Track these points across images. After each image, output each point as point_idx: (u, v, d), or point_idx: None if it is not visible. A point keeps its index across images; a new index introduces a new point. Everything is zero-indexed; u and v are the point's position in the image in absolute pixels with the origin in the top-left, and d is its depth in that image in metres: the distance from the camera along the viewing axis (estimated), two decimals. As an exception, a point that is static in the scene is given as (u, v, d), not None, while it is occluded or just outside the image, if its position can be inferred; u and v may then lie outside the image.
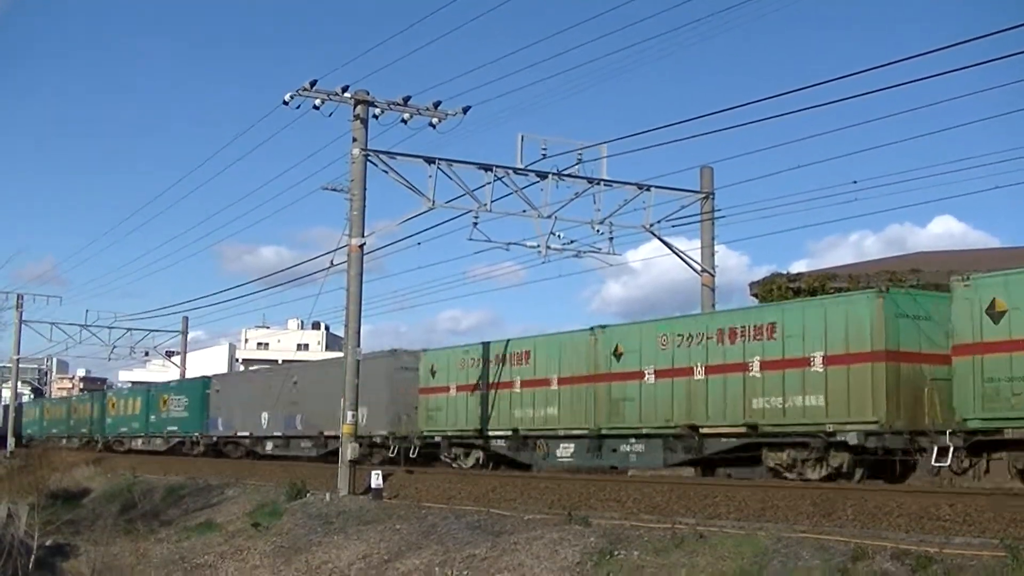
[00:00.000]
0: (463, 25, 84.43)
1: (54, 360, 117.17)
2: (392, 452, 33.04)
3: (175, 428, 51.50)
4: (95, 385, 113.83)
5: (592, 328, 27.35)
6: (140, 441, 55.51)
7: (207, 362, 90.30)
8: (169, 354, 70.31)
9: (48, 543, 26.46)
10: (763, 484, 20.61)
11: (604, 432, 26.07)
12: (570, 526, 17.83)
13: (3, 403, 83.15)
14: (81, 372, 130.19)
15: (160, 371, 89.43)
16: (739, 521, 16.96)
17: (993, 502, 15.30)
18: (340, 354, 35.96)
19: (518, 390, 29.06)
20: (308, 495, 26.81)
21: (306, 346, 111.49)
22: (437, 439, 32.05)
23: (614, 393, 25.91)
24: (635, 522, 17.62)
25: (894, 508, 16.00)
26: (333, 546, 21.77)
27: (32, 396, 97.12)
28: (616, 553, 15.98)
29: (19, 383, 76.15)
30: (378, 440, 33.89)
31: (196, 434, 48.91)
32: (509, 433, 29.19)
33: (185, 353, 66.34)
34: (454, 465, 31.31)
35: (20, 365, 73.62)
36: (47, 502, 28.99)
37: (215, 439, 47.24)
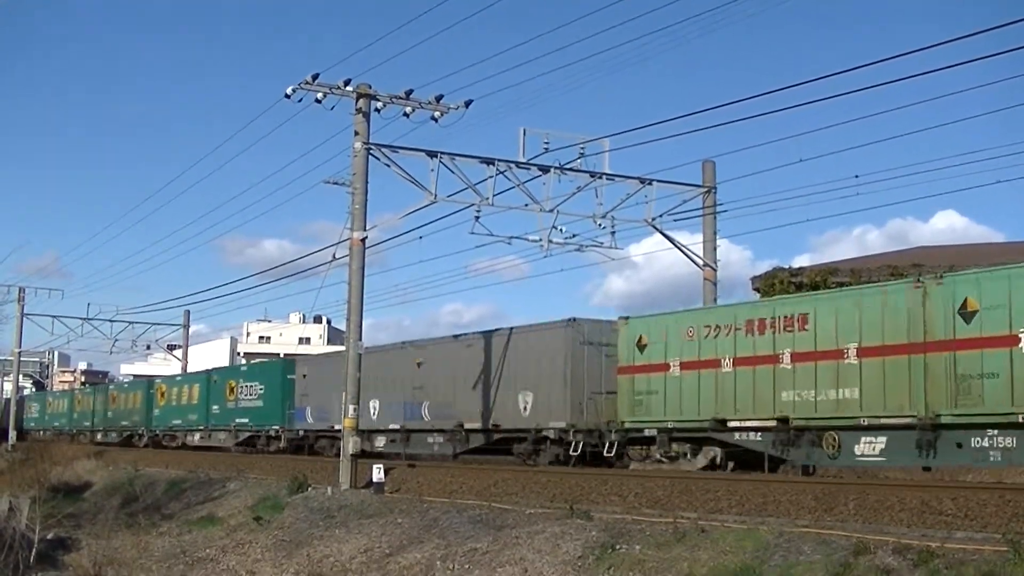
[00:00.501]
0: (465, 19, 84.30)
1: (55, 353, 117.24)
2: (574, 449, 26.59)
3: (246, 420, 44.02)
4: (97, 379, 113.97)
5: (919, 277, 20.76)
6: (199, 436, 48.58)
7: (208, 355, 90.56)
8: (171, 347, 70.45)
9: (49, 536, 26.48)
10: (765, 479, 20.57)
11: (944, 421, 19.34)
12: (572, 520, 17.84)
13: (4, 396, 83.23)
14: (83, 365, 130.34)
15: (162, 364, 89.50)
16: (741, 516, 16.99)
17: (995, 496, 15.30)
18: (480, 330, 31.80)
19: (788, 365, 21.95)
20: (309, 489, 26.85)
21: (308, 340, 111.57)
22: (649, 432, 24.85)
23: (961, 367, 19.02)
24: (637, 516, 17.64)
25: (896, 503, 16.00)
26: (335, 540, 21.78)
27: (34, 389, 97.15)
28: (618, 547, 15.99)
29: (20, 376, 76.12)
30: (551, 435, 27.44)
31: (275, 427, 41.62)
32: (772, 424, 22.13)
33: (187, 347, 66.52)
34: (672, 466, 24.33)
35: (22, 358, 73.70)
36: (48, 495, 29.03)
37: (302, 433, 39.72)
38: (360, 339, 27.20)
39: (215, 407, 46.86)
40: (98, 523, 28.20)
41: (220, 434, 46.42)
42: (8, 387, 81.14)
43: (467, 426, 30.39)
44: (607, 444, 25.62)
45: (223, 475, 33.17)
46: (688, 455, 24.33)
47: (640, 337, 25.41)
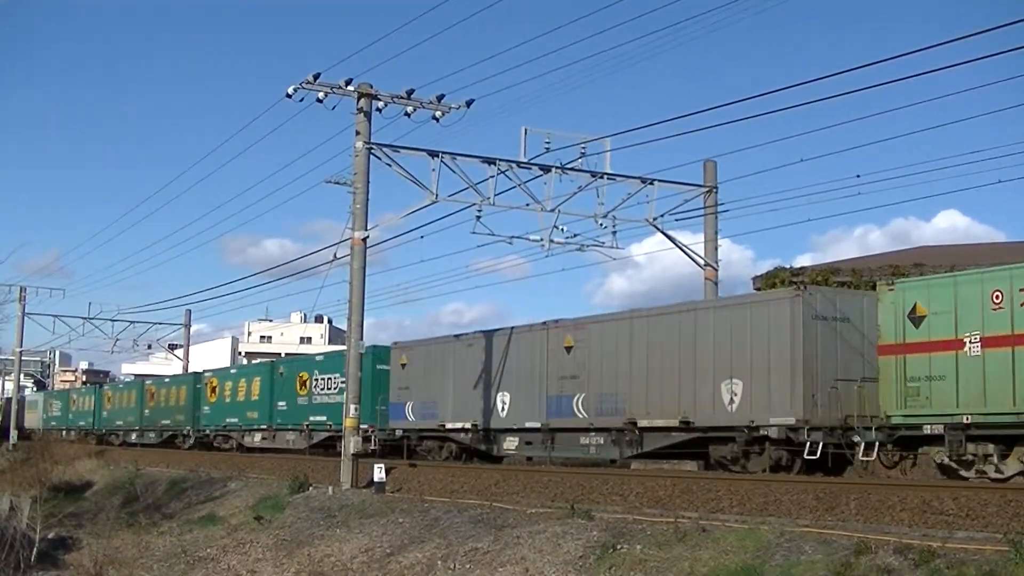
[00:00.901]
0: (467, 18, 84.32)
1: (56, 353, 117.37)
2: (809, 452, 20.92)
3: (323, 418, 37.69)
4: (98, 378, 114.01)
5: None
6: (260, 436, 42.73)
7: (209, 355, 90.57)
8: (172, 347, 70.52)
9: (50, 536, 26.53)
10: (766, 479, 20.54)
11: None
12: (573, 520, 17.84)
13: (5, 395, 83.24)
14: (84, 365, 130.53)
15: (163, 364, 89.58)
16: (742, 515, 16.98)
17: (996, 496, 15.30)
18: (652, 305, 26.76)
19: None
20: (311, 488, 26.85)
21: (309, 339, 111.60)
22: (932, 429, 19.78)
23: None
24: (638, 516, 17.63)
25: (897, 502, 16.00)
26: (335, 539, 21.78)
27: (34, 388, 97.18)
28: (619, 547, 15.98)
29: (21, 375, 76.08)
30: (774, 434, 21.71)
31: (363, 427, 33.13)
32: None
33: (188, 346, 66.57)
34: (966, 474, 19.41)
35: (23, 358, 73.69)
36: (49, 495, 29.04)
37: (399, 433, 33.57)
38: (361, 338, 27.29)
39: (281, 403, 40.96)
40: (99, 522, 28.19)
41: (288, 435, 40.54)
42: (9, 386, 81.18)
43: (641, 424, 24.70)
44: (862, 445, 20.57)
45: (224, 475, 33.18)
46: (992, 459, 19.23)
47: (915, 306, 20.46)
